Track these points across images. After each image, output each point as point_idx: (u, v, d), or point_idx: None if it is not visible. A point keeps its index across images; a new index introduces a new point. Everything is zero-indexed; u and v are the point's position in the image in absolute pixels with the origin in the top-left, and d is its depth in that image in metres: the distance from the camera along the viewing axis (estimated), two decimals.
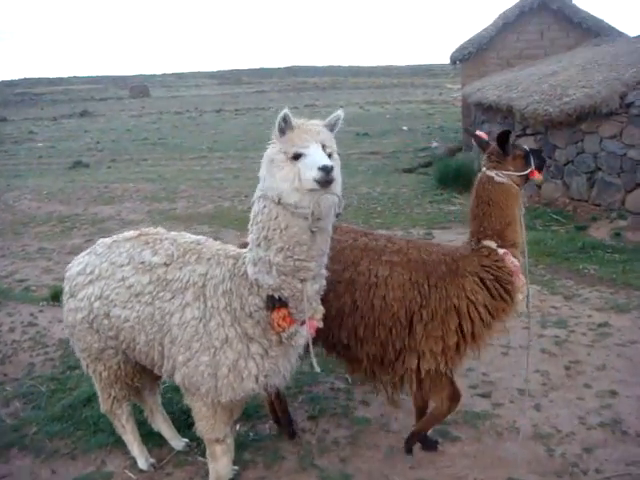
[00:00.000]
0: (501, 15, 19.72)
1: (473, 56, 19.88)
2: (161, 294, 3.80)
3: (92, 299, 4.01)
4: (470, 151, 18.32)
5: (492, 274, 4.13)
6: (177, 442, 4.83)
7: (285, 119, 3.22)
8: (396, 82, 76.90)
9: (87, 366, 4.33)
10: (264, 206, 3.30)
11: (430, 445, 4.79)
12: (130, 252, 4.01)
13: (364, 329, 4.19)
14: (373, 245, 4.27)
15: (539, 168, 4.27)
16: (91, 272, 4.07)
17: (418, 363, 4.19)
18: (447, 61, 20.85)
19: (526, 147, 4.35)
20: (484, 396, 5.46)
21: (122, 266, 3.98)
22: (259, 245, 3.37)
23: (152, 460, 4.64)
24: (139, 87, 71.10)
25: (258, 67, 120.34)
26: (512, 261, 4.13)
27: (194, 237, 4.11)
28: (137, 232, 4.19)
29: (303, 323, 3.57)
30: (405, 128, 28.73)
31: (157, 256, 3.91)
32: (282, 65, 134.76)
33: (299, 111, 42.23)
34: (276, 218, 3.26)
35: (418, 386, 4.31)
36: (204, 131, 32.14)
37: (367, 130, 27.36)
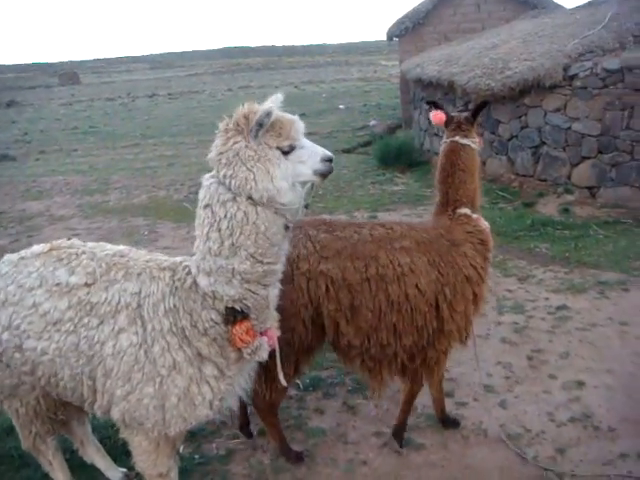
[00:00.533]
0: None
1: (410, 31, 19.53)
2: (85, 320, 3.23)
3: None
4: (410, 129, 18.04)
5: (476, 238, 4.24)
6: (114, 473, 4.26)
7: (269, 114, 2.89)
8: (330, 60, 76.60)
9: (1, 402, 3.71)
10: (237, 209, 2.94)
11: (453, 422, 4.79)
12: (41, 272, 3.36)
13: (403, 322, 3.97)
14: (377, 234, 4.03)
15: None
16: None
17: (448, 343, 4.22)
18: (382, 38, 20.46)
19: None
20: (446, 395, 5.06)
21: (33, 289, 3.32)
22: (219, 254, 3.00)
23: None
24: (68, 74, 68.96)
25: (191, 50, 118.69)
26: (484, 223, 4.35)
27: (115, 248, 3.53)
28: (47, 246, 3.51)
29: (262, 334, 3.22)
30: (342, 107, 28.32)
31: (75, 275, 3.31)
32: (215, 47, 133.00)
33: (233, 93, 41.68)
34: (254, 222, 2.95)
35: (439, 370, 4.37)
36: (137, 117, 31.13)
37: (303, 110, 26.76)
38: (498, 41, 13.58)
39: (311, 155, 2.98)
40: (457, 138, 4.35)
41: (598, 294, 6.96)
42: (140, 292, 3.22)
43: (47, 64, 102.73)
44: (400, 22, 19.61)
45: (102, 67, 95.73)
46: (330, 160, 3.00)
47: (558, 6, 18.54)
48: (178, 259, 3.36)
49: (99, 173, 16.78)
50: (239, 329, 3.10)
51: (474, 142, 4.37)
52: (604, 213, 9.86)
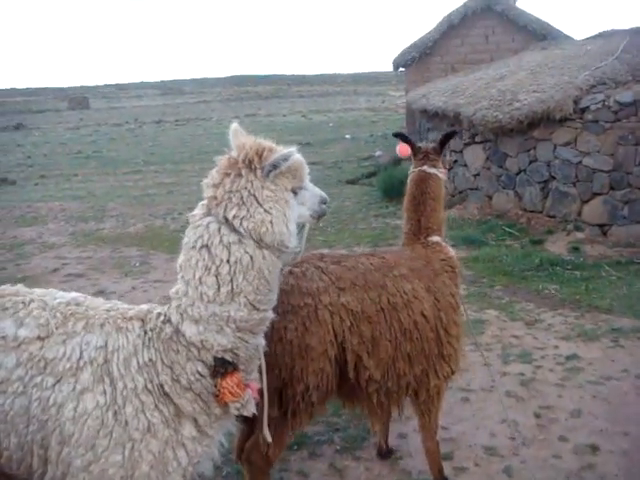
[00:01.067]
0: (445, 18, 19.17)
1: (416, 61, 19.29)
2: (38, 379, 2.77)
3: None
4: None
5: (449, 266, 4.22)
6: None
7: (287, 159, 2.73)
8: (339, 90, 76.73)
9: None
10: (244, 252, 2.71)
11: None
12: None
13: (415, 350, 3.83)
14: (376, 263, 3.88)
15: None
16: None
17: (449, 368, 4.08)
18: (390, 68, 20.17)
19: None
20: (445, 458, 4.55)
21: None
22: (213, 300, 2.72)
23: None
24: (78, 98, 69.12)
25: (201, 77, 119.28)
26: (452, 251, 4.34)
27: (68, 295, 3.07)
28: None
29: (246, 386, 2.86)
30: (348, 136, 28.09)
31: (25, 328, 2.85)
32: (225, 75, 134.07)
33: (240, 120, 41.31)
34: (260, 266, 2.74)
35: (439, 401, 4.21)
36: (142, 143, 30.95)
37: (309, 139, 26.61)
38: (506, 72, 13.24)
39: (311, 197, 2.90)
40: (425, 167, 4.40)
41: (612, 342, 6.47)
42: (106, 345, 2.82)
43: (58, 88, 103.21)
44: (407, 52, 19.36)
45: (112, 92, 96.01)
46: (325, 202, 2.94)
47: (568, 37, 18.24)
48: (144, 307, 2.99)
49: (96, 200, 16.45)
50: (230, 382, 2.77)
51: (441, 172, 4.44)
52: (616, 252, 9.41)
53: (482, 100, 11.76)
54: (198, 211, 2.83)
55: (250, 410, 2.88)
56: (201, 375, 2.79)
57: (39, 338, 2.83)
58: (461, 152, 12.81)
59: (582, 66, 11.21)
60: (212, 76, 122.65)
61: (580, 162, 10.04)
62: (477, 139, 12.08)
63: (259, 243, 2.72)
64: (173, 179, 19.30)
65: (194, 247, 2.75)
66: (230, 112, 49.52)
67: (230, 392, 2.77)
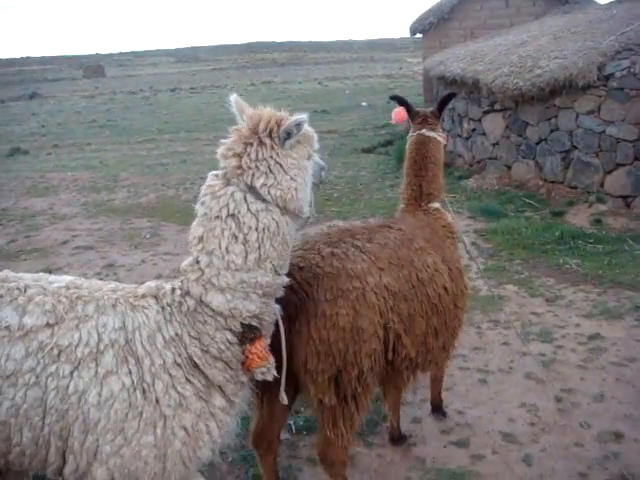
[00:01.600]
0: None
1: (434, 27, 18.80)
2: (52, 368, 2.66)
3: None
4: None
5: (449, 232, 4.29)
6: None
7: (299, 125, 2.82)
8: (355, 57, 75.98)
9: None
10: (271, 219, 2.80)
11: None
12: None
13: (440, 324, 3.80)
14: (399, 237, 3.76)
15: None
16: None
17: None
18: (408, 34, 19.71)
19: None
20: (460, 445, 4.37)
21: None
22: (241, 268, 2.77)
23: None
24: (93, 67, 68.94)
25: (216, 44, 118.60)
26: (451, 216, 4.40)
27: (63, 279, 2.96)
28: None
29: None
30: (364, 104, 27.66)
31: (29, 316, 2.72)
32: (240, 42, 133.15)
33: (256, 87, 41.15)
34: (284, 232, 2.85)
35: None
36: (156, 111, 30.62)
37: (325, 107, 26.26)
38: (527, 38, 12.80)
39: (315, 165, 3.02)
40: (424, 131, 4.40)
41: (636, 321, 6.21)
42: (124, 326, 2.78)
43: (74, 56, 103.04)
44: (424, 17, 18.88)
45: (128, 60, 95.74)
46: (324, 169, 3.12)
47: (592, 1, 17.64)
48: (151, 284, 2.99)
49: (109, 169, 16.22)
50: (258, 347, 2.84)
51: (440, 135, 4.44)
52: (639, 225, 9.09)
53: (502, 67, 11.38)
54: (215, 181, 2.83)
55: (273, 374, 2.91)
56: (230, 343, 2.81)
57: (48, 325, 2.73)
58: (479, 120, 12.47)
59: (607, 31, 10.76)
60: (227, 43, 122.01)
61: (603, 131, 9.67)
62: (496, 107, 11.74)
63: (282, 210, 2.80)
64: (187, 147, 19.05)
65: (218, 217, 2.76)
66: (246, 79, 49.13)
67: (259, 357, 2.81)
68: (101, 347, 2.71)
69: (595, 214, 9.47)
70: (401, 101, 4.65)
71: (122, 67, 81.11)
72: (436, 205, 4.33)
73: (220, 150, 2.85)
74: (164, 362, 2.75)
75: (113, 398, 2.66)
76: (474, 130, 12.75)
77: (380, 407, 4.62)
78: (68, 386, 2.66)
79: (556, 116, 10.37)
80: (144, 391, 2.70)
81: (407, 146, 4.48)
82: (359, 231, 3.74)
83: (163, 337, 2.78)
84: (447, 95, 4.61)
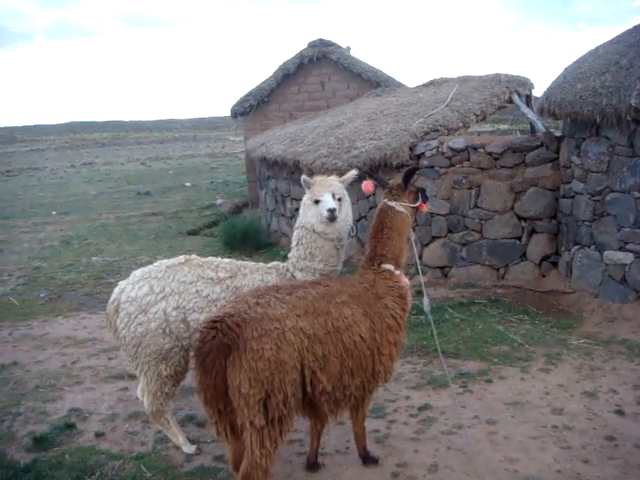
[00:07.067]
0: (281, 66, 19.27)
1: (254, 109, 19.26)
2: (232, 298, 4.77)
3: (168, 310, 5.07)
4: (257, 207, 17.59)
5: (396, 292, 4.80)
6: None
7: (305, 182, 5.37)
8: (178, 136, 76.17)
9: (147, 369, 5.14)
10: (306, 233, 5.28)
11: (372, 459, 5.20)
12: (194, 272, 5.23)
13: (355, 365, 4.46)
14: (321, 292, 4.48)
15: (424, 202, 5.21)
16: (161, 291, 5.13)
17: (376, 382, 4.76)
18: (229, 113, 20.04)
19: (417, 185, 5.48)
20: None
21: (193, 282, 5.17)
22: (305, 258, 5.27)
23: (195, 446, 5.47)
24: None
25: (33, 124, 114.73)
26: (405, 280, 4.89)
27: (225, 260, 5.54)
28: (181, 259, 5.37)
29: None
30: (188, 184, 27.67)
31: (221, 272, 5.27)
32: (59, 121, 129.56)
33: (77, 170, 40.02)
34: (315, 241, 5.22)
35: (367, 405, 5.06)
36: None
37: (149, 188, 26.01)
38: (343, 120, 13.39)
39: (322, 207, 5.14)
40: (386, 200, 5.00)
41: (461, 388, 6.50)
42: (263, 280, 5.27)
43: None
44: (244, 100, 19.31)
45: None
46: (330, 211, 5.08)
47: (400, 84, 18.81)
48: (274, 263, 5.54)
49: None
50: None
51: (402, 205, 4.94)
52: (457, 294, 9.63)
53: (321, 148, 11.81)
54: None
55: None
56: None
57: (230, 277, 5.27)
58: (301, 200, 12.76)
59: (415, 113, 11.51)
60: (45, 123, 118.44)
61: None
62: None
63: (310, 229, 5.26)
64: (3, 236, 17.94)
65: (299, 241, 5.36)
66: (65, 161, 47.75)
67: None
68: (256, 286, 5.12)
69: (416, 286, 9.86)
70: (372, 177, 5.41)
71: None
72: (388, 267, 4.81)
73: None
74: None
75: None
76: (297, 210, 13.02)
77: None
78: None
79: (374, 194, 10.82)
80: None
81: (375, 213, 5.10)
82: (283, 286, 4.55)
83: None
84: (410, 169, 5.15)
